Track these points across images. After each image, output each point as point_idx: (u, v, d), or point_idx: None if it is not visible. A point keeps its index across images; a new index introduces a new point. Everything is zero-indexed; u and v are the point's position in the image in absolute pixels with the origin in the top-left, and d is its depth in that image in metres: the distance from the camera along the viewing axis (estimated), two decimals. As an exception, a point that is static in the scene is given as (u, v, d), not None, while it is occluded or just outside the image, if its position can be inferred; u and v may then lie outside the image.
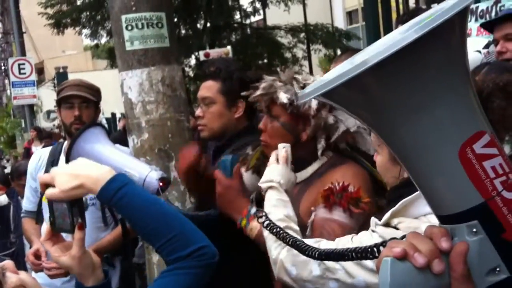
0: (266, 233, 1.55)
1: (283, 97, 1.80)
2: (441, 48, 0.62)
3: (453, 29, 0.62)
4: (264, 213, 1.48)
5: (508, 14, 2.66)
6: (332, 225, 1.62)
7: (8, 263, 1.27)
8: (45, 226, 2.82)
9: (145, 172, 2.07)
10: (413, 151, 0.68)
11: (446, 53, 0.63)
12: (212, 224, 2.03)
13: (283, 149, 1.76)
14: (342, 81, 0.61)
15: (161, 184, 2.05)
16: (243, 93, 2.04)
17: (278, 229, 1.28)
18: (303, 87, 1.80)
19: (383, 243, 0.75)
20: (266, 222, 1.37)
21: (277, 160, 1.74)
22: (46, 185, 1.30)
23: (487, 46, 3.23)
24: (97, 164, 1.32)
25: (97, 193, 1.26)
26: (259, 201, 1.75)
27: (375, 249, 0.77)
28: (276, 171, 1.70)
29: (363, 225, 1.53)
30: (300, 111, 1.80)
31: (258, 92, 1.86)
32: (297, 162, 1.83)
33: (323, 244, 1.42)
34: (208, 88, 2.34)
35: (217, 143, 2.37)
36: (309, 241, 1.40)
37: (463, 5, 0.60)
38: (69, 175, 1.27)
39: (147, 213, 1.25)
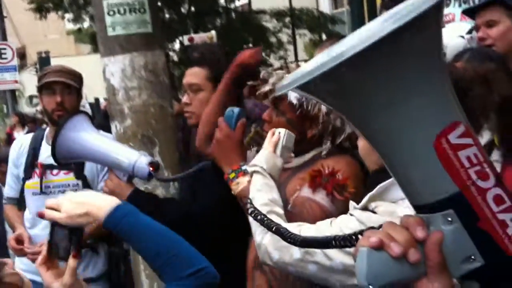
0: (250, 218, 1.56)
1: (293, 97, 1.78)
2: (417, 40, 0.62)
3: (428, 22, 0.62)
4: (248, 200, 1.49)
5: (490, 1, 2.68)
6: (313, 205, 1.64)
7: (9, 261, 1.32)
8: (27, 214, 2.84)
9: (134, 158, 2.06)
10: (389, 142, 0.69)
11: (422, 45, 0.64)
12: (207, 175, 2.03)
13: (275, 134, 1.75)
14: (319, 73, 0.61)
15: (151, 168, 2.06)
16: (249, 83, 2.01)
17: (262, 216, 1.29)
18: None
19: (361, 232, 0.75)
20: (251, 209, 1.38)
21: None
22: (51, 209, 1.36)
23: (470, 32, 3.25)
24: (102, 194, 1.44)
25: (103, 221, 1.32)
26: None
27: (353, 237, 0.78)
28: (262, 156, 1.70)
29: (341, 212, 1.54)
30: (309, 113, 1.79)
31: (267, 87, 1.84)
32: (299, 154, 1.85)
33: (304, 228, 1.43)
34: (195, 75, 2.32)
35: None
36: (291, 225, 1.42)
37: None
38: (76, 203, 1.34)
39: (150, 237, 1.31)
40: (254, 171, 1.67)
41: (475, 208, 0.68)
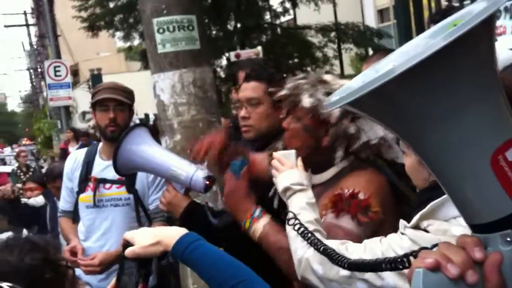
0: (293, 233, 1.55)
1: (307, 101, 1.78)
2: (469, 55, 0.61)
3: (480, 35, 0.61)
4: (293, 214, 1.48)
5: (543, 11, 2.61)
6: (338, 231, 1.60)
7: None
8: (80, 226, 2.92)
9: (192, 171, 2.11)
10: (443, 160, 0.67)
11: (474, 60, 0.62)
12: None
13: (293, 155, 1.76)
14: (368, 90, 0.61)
15: (207, 182, 2.10)
16: (270, 89, 2.03)
17: (309, 234, 1.28)
18: (329, 92, 1.77)
19: (413, 253, 0.74)
20: (298, 226, 1.37)
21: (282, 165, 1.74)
22: (126, 245, 1.42)
23: (518, 45, 3.17)
24: (174, 227, 1.46)
25: (172, 247, 1.36)
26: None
27: (404, 259, 0.76)
28: (296, 174, 1.70)
29: (376, 233, 1.51)
30: (321, 117, 1.78)
31: (283, 92, 1.85)
32: (316, 166, 1.83)
33: (350, 247, 1.41)
34: (254, 89, 2.34)
35: (255, 144, 2.38)
36: (333, 242, 1.41)
37: (490, 11, 0.59)
38: (149, 233, 1.41)
39: (215, 264, 1.34)
40: (300, 190, 1.67)
41: None
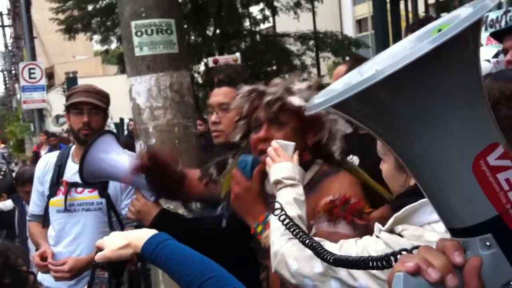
0: (276, 225, 1.52)
1: (297, 101, 1.74)
2: (455, 59, 0.61)
3: (467, 40, 0.61)
4: (279, 205, 1.44)
5: (518, 24, 2.66)
6: (337, 238, 1.58)
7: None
8: (50, 231, 2.86)
9: None
10: (426, 164, 0.67)
11: (461, 65, 0.62)
12: (221, 229, 2.03)
13: (276, 145, 1.72)
14: (355, 92, 0.60)
15: None
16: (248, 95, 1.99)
17: (295, 227, 1.26)
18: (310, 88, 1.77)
19: (395, 254, 0.74)
20: (283, 217, 1.35)
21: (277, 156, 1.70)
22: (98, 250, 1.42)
23: (496, 56, 3.22)
24: (145, 229, 1.47)
25: (141, 247, 1.36)
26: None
27: (391, 258, 0.76)
28: (289, 168, 1.67)
29: (365, 234, 1.51)
30: (315, 116, 1.75)
31: (268, 98, 1.78)
32: (302, 166, 1.79)
33: (328, 245, 1.40)
34: (226, 94, 2.33)
35: (226, 148, 2.36)
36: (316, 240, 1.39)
37: (478, 15, 0.59)
38: (119, 236, 1.41)
39: (184, 262, 1.34)
40: (290, 185, 1.64)
41: None
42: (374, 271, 1.26)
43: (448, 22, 0.62)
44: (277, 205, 1.45)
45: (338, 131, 1.79)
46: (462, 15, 0.60)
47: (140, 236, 1.39)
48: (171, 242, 1.38)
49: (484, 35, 3.44)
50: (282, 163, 1.68)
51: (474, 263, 0.65)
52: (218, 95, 2.35)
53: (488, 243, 0.66)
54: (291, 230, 1.26)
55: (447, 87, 0.62)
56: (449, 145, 0.64)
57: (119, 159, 2.18)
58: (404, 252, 0.71)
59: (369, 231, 1.52)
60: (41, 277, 2.96)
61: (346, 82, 0.65)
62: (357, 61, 2.80)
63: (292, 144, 1.74)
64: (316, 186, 1.76)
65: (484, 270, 0.65)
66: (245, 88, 1.88)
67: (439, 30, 0.60)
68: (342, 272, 1.36)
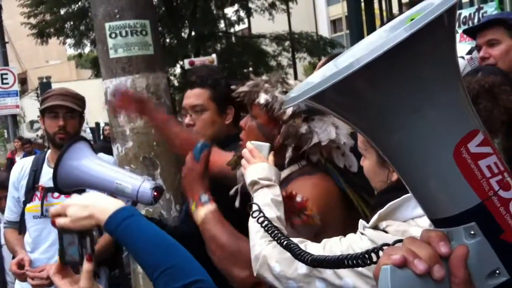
0: (255, 228, 1.52)
1: (262, 97, 1.77)
2: (432, 46, 0.60)
3: (443, 26, 0.61)
4: (258, 207, 1.44)
5: (490, 20, 2.69)
6: None
7: None
8: (27, 237, 2.81)
9: (138, 183, 2.04)
10: (406, 155, 0.66)
11: (437, 51, 0.62)
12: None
13: (251, 146, 1.73)
14: (331, 83, 0.59)
15: (155, 193, 2.03)
16: (232, 87, 1.98)
17: (273, 229, 1.26)
18: (286, 92, 1.76)
19: (375, 250, 0.73)
20: (261, 219, 1.34)
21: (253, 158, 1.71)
22: (57, 216, 1.34)
23: (470, 52, 3.26)
24: (108, 197, 1.38)
25: (104, 223, 1.28)
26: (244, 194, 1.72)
27: (366, 256, 0.75)
28: (272, 169, 1.67)
29: (317, 237, 1.49)
30: (274, 114, 1.76)
31: (241, 89, 1.84)
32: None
33: (310, 245, 1.39)
34: (198, 96, 2.31)
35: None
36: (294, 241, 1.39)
37: (453, 1, 0.58)
38: (80, 206, 1.32)
39: (148, 244, 1.27)
40: (266, 186, 1.63)
41: (498, 220, 0.65)
42: (360, 269, 1.25)
43: (420, 11, 0.61)
44: (254, 207, 1.44)
45: (311, 137, 1.76)
46: (435, 2, 0.59)
47: (103, 209, 1.30)
48: (136, 219, 1.29)
49: (458, 32, 3.48)
50: (257, 164, 1.68)
51: (460, 253, 0.65)
52: (190, 97, 2.33)
53: (472, 232, 0.65)
54: (269, 232, 1.25)
55: (423, 74, 0.61)
56: (429, 133, 0.63)
57: (92, 166, 2.15)
58: (385, 248, 0.70)
59: (322, 235, 1.51)
60: (19, 285, 2.90)
61: (322, 74, 0.64)
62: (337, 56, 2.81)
63: (267, 145, 1.74)
64: (287, 184, 1.76)
65: (470, 259, 0.65)
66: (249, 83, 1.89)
67: (412, 19, 0.59)
68: (327, 272, 1.34)
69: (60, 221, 1.32)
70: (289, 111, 1.74)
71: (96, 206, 1.31)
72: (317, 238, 1.46)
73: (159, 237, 1.29)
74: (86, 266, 1.29)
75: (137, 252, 1.28)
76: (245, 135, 1.86)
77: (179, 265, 1.24)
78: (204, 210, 1.73)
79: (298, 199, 1.61)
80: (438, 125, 0.63)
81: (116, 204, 1.32)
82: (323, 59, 3.18)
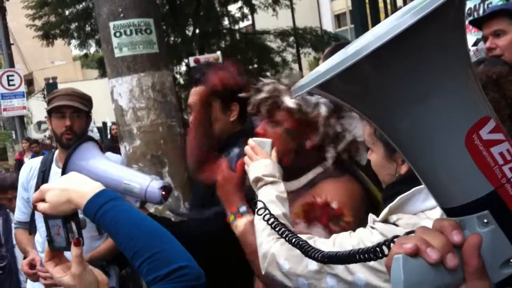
0: (261, 226, 1.50)
1: (290, 102, 1.72)
2: (441, 31, 0.59)
3: (451, 11, 0.59)
4: (263, 205, 1.43)
5: (496, 11, 2.67)
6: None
7: None
8: (38, 237, 2.82)
9: (146, 183, 2.04)
10: (417, 143, 0.65)
11: (445, 37, 0.60)
12: (221, 218, 2.00)
13: (269, 145, 1.71)
14: (339, 70, 0.58)
15: (163, 192, 2.03)
16: (241, 95, 1.95)
17: (280, 226, 1.25)
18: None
19: (386, 242, 0.72)
20: (267, 216, 1.33)
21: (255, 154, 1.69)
22: (38, 201, 1.29)
23: (475, 44, 3.24)
24: (88, 179, 1.31)
25: (83, 208, 1.24)
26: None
27: (378, 249, 0.74)
28: (269, 165, 1.65)
29: None
30: (308, 117, 1.72)
31: (262, 95, 1.78)
32: (295, 170, 1.78)
33: (319, 242, 1.38)
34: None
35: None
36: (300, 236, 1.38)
37: None
38: (59, 190, 1.27)
39: (130, 230, 1.22)
40: (272, 182, 1.62)
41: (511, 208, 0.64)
42: (371, 263, 1.24)
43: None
44: (260, 204, 1.43)
45: (345, 136, 1.74)
46: None
47: (82, 193, 1.24)
48: (115, 204, 1.24)
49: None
50: (260, 161, 1.67)
51: (474, 241, 0.64)
52: (195, 94, 2.32)
53: (485, 220, 0.64)
54: (277, 229, 1.24)
55: (431, 60, 0.60)
56: (440, 120, 0.62)
57: (100, 166, 2.15)
58: (395, 240, 0.69)
59: None
60: (30, 285, 2.92)
61: (331, 63, 0.63)
62: (342, 44, 2.80)
63: (269, 141, 1.73)
64: (312, 187, 1.74)
65: (483, 247, 0.64)
66: (253, 87, 1.85)
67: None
68: (339, 268, 1.33)
69: (40, 206, 1.27)
70: (324, 111, 1.71)
71: (75, 190, 1.26)
72: None
73: (141, 222, 1.24)
74: (75, 250, 1.25)
75: (118, 237, 1.23)
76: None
77: (163, 251, 1.19)
78: (243, 221, 1.70)
79: (334, 205, 1.58)
80: (448, 112, 0.62)
81: (95, 187, 1.27)
82: (327, 49, 3.15)
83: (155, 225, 1.25)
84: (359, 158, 1.78)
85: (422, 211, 1.24)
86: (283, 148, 1.75)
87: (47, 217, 1.29)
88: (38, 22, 16.78)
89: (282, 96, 1.74)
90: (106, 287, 1.29)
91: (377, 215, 1.65)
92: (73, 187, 1.27)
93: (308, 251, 1.01)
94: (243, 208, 1.73)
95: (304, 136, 1.75)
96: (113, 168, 2.16)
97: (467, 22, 3.38)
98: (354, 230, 1.55)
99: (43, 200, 1.28)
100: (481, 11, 3.70)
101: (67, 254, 1.32)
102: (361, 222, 1.64)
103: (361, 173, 1.80)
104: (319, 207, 1.59)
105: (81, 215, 1.30)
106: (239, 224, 1.71)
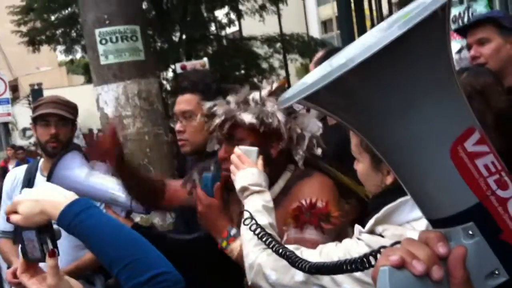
0: (248, 236, 1.50)
1: (248, 118, 1.73)
2: (426, 42, 0.60)
3: (437, 22, 0.60)
4: (249, 214, 1.43)
5: (481, 19, 2.70)
6: (306, 245, 1.55)
7: None
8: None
9: None
10: (403, 153, 0.65)
11: (431, 49, 0.61)
12: (199, 246, 1.99)
13: (255, 153, 1.71)
14: (326, 83, 0.58)
15: None
16: (202, 118, 1.92)
17: (267, 236, 1.24)
18: (261, 104, 1.74)
19: (373, 253, 0.72)
20: (254, 226, 1.33)
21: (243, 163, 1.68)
22: (11, 213, 1.27)
23: (459, 52, 3.27)
24: (61, 189, 1.29)
25: (57, 218, 1.22)
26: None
27: (365, 259, 0.74)
28: (255, 174, 1.65)
29: (340, 236, 1.49)
30: (271, 127, 1.73)
31: (218, 120, 1.78)
32: (270, 178, 1.76)
33: (306, 252, 1.38)
34: (188, 102, 2.28)
35: (197, 157, 2.33)
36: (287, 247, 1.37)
37: None
38: (31, 201, 1.25)
39: (107, 238, 1.21)
40: (257, 191, 1.62)
41: (497, 220, 0.64)
42: (357, 274, 1.24)
43: (413, 10, 0.60)
44: (246, 214, 1.43)
45: (305, 135, 1.77)
46: (427, 0, 0.58)
47: (55, 203, 1.22)
48: (90, 213, 1.22)
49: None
50: (247, 170, 1.66)
51: (459, 253, 0.64)
52: (181, 102, 2.29)
53: (470, 232, 0.65)
54: (264, 239, 1.23)
55: (418, 71, 0.61)
56: (425, 132, 0.63)
57: (85, 175, 2.13)
58: (383, 250, 0.69)
59: (343, 234, 1.51)
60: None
61: (317, 74, 0.63)
62: (334, 50, 2.80)
63: (255, 149, 1.73)
64: (289, 191, 1.75)
65: (468, 259, 0.64)
66: (206, 105, 1.85)
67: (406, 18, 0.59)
68: (325, 279, 1.33)
69: (13, 218, 1.25)
70: (282, 117, 1.73)
71: (48, 200, 1.24)
72: (339, 238, 1.45)
73: (118, 230, 1.23)
74: (50, 262, 1.22)
75: (95, 247, 1.22)
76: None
77: (142, 259, 1.19)
78: (238, 243, 1.69)
79: (319, 204, 1.59)
80: (434, 123, 0.63)
81: (69, 197, 1.25)
82: (320, 52, 3.14)
83: (132, 232, 1.25)
84: (316, 151, 1.81)
85: (408, 222, 1.24)
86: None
87: (20, 228, 1.26)
88: (23, 28, 16.67)
89: (237, 116, 1.75)
90: None
91: (348, 198, 1.66)
92: (46, 197, 1.25)
93: (295, 261, 1.01)
94: (233, 231, 1.73)
95: (268, 147, 1.76)
96: (98, 178, 2.15)
97: (451, 30, 3.41)
98: (342, 224, 1.56)
99: (16, 212, 1.26)
100: (465, 19, 3.74)
101: (42, 265, 1.30)
102: (343, 213, 1.66)
103: (325, 165, 1.82)
104: (307, 209, 1.59)
105: (55, 226, 1.27)
106: (235, 247, 1.70)
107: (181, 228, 2.34)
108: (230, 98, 1.82)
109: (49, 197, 1.25)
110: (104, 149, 2.04)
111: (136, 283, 1.16)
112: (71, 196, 1.25)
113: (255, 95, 1.80)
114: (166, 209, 2.12)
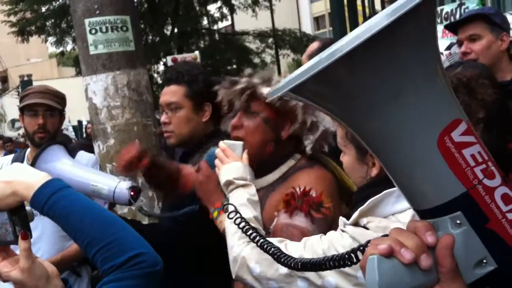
0: (232, 229, 1.49)
1: (267, 91, 1.72)
2: (412, 33, 0.60)
3: (424, 14, 0.60)
4: (234, 208, 1.42)
5: (472, 15, 2.70)
6: (292, 230, 1.57)
7: None
8: None
9: (114, 184, 2.02)
10: (390, 144, 0.65)
11: (418, 39, 0.61)
12: (193, 220, 1.98)
13: (240, 147, 1.71)
14: (313, 73, 0.58)
15: (132, 193, 2.01)
16: (216, 88, 1.91)
17: (251, 230, 1.24)
18: None
19: (360, 248, 0.72)
20: (238, 220, 1.32)
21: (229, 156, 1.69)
22: None
23: (449, 48, 3.28)
24: (34, 169, 1.26)
25: (30, 200, 1.19)
26: None
27: (352, 255, 0.74)
28: (240, 168, 1.65)
29: (330, 229, 1.49)
30: (287, 106, 1.72)
31: (239, 86, 1.77)
32: (269, 164, 1.78)
33: (290, 245, 1.38)
34: (173, 93, 2.27)
35: (184, 148, 2.32)
36: (273, 241, 1.37)
37: None
38: (3, 183, 1.21)
39: (82, 219, 1.18)
40: (242, 185, 1.62)
41: (484, 209, 0.65)
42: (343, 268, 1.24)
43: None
44: (231, 208, 1.42)
45: (319, 126, 1.75)
46: None
47: (28, 184, 1.19)
48: (65, 193, 1.19)
49: (440, 28, 3.49)
50: (231, 164, 1.66)
51: (446, 242, 0.65)
52: (166, 94, 2.28)
53: (458, 221, 0.65)
54: (248, 234, 1.23)
55: (404, 62, 0.61)
56: (412, 122, 0.63)
57: (66, 168, 2.12)
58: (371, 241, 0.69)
59: (334, 228, 1.51)
60: (1, 286, 2.86)
61: (306, 66, 0.63)
62: (330, 42, 2.80)
63: (240, 143, 1.73)
64: (288, 179, 1.75)
65: (456, 248, 0.65)
66: (227, 80, 1.85)
67: None
68: (310, 272, 1.32)
69: None
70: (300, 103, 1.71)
71: (20, 181, 1.20)
72: (329, 230, 1.44)
73: (93, 211, 1.21)
74: (22, 244, 1.20)
75: (70, 228, 1.19)
76: (248, 133, 1.76)
77: (118, 239, 1.16)
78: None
79: (313, 193, 1.59)
80: (420, 113, 0.63)
81: (42, 178, 1.21)
82: (314, 44, 3.13)
83: (107, 213, 1.22)
84: (325, 148, 1.81)
85: (392, 214, 1.24)
86: (262, 138, 1.75)
87: None
88: (13, 18, 16.53)
89: (258, 88, 1.75)
90: (57, 278, 1.23)
91: (348, 200, 1.66)
92: (18, 178, 1.21)
93: (280, 258, 1.00)
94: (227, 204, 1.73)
95: (281, 126, 1.76)
96: (80, 170, 2.13)
97: (443, 27, 3.42)
98: (334, 214, 1.56)
99: None
100: (457, 16, 3.75)
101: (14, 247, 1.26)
102: (339, 210, 1.67)
103: (331, 161, 1.82)
104: (300, 196, 1.59)
105: (28, 207, 1.25)
106: (224, 218, 1.69)
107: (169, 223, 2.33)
108: (256, 74, 1.83)
109: (22, 178, 1.21)
110: (129, 161, 2.04)
111: (113, 265, 1.14)
112: (44, 177, 1.22)
113: (279, 78, 1.81)
114: (182, 194, 2.11)
